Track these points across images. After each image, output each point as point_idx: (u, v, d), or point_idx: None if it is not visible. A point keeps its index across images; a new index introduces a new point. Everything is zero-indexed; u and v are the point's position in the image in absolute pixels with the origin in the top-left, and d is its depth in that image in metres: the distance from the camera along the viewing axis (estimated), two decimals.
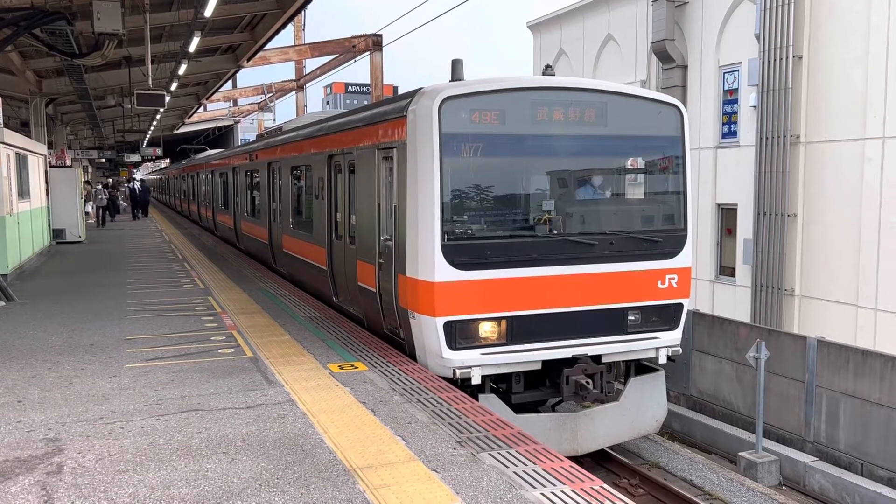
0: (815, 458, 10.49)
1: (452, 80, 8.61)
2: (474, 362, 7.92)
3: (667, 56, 20.40)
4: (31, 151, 18.25)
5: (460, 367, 7.87)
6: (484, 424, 6.18)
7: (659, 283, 8.77)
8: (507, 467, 5.27)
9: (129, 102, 22.86)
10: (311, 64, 36.61)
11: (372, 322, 9.78)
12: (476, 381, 7.92)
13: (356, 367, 7.96)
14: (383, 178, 8.89)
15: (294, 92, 39.63)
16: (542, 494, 4.83)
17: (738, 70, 18.92)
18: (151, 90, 18.28)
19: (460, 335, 7.92)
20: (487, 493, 4.83)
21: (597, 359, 8.60)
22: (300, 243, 13.37)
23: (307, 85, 38.51)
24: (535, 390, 8.69)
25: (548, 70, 9.29)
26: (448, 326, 7.85)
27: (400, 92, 12.08)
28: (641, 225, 8.98)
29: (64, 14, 12.68)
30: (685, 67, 20.47)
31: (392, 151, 8.55)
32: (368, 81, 28.10)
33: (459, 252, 7.82)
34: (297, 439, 5.83)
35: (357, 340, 9.27)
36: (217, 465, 5.31)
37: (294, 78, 39.20)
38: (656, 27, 20.59)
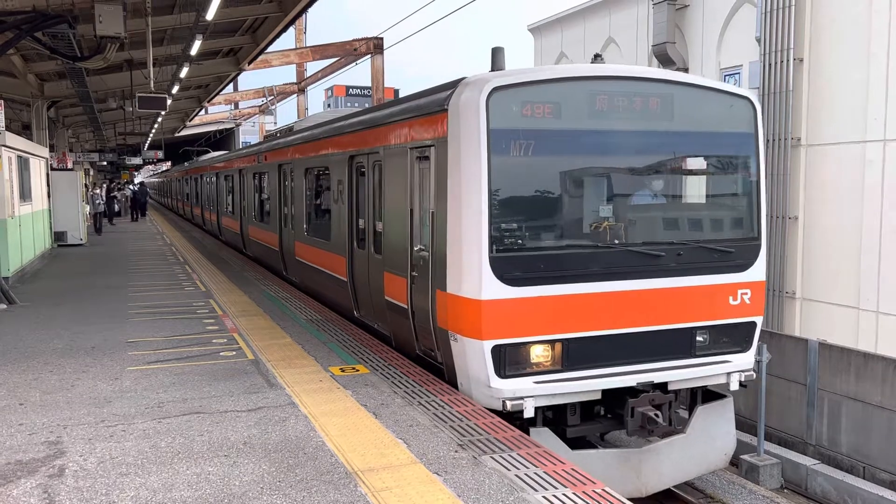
0: (817, 461, 10.48)
1: (493, 70, 7.71)
2: (527, 392, 6.92)
3: (667, 59, 20.42)
4: (32, 154, 18.28)
5: (511, 399, 6.86)
6: (485, 427, 6.18)
7: (730, 298, 7.81)
8: (509, 470, 5.27)
9: (130, 105, 22.87)
10: (312, 67, 36.68)
11: (402, 342, 8.83)
12: (529, 413, 6.92)
13: (357, 370, 7.96)
14: (417, 180, 8.04)
15: (295, 95, 39.68)
16: (545, 497, 4.82)
17: (738, 73, 18.93)
18: (153, 93, 18.32)
19: (510, 361, 6.96)
20: (489, 496, 4.83)
21: (662, 386, 7.57)
22: (315, 251, 12.40)
23: (308, 88, 38.55)
24: (591, 422, 7.66)
25: (597, 59, 8.28)
26: (497, 351, 6.88)
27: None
28: (711, 233, 8.04)
29: (66, 17, 12.70)
30: (686, 70, 20.49)
31: (428, 150, 7.68)
32: (369, 84, 28.12)
33: (509, 265, 6.89)
34: (298, 442, 5.83)
35: (358, 343, 9.27)
36: (219, 468, 5.32)
37: (295, 81, 39.25)
38: (657, 30, 20.61)
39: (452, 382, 7.45)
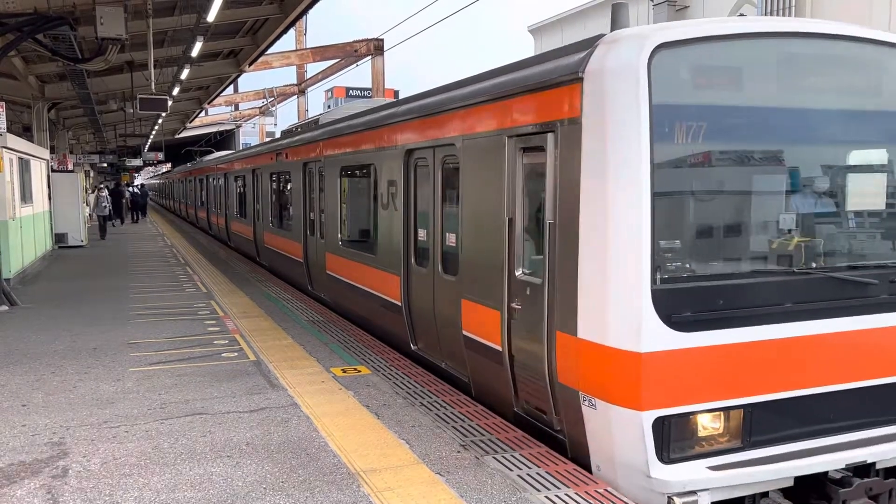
0: None
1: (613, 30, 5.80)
2: (701, 483, 4.94)
3: None
4: (33, 156, 18.30)
5: (680, 494, 4.92)
6: (488, 427, 6.18)
7: None
8: (512, 470, 5.27)
9: (131, 107, 22.89)
10: (313, 69, 36.73)
11: (488, 392, 6.86)
12: None
13: (359, 371, 7.97)
14: (520, 180, 6.14)
15: (295, 96, 39.73)
16: (547, 497, 4.83)
17: None
18: (154, 95, 18.37)
19: (676, 438, 5.00)
20: (492, 497, 4.84)
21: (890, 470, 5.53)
22: (354, 267, 10.44)
23: (308, 89, 38.60)
24: None
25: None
26: (660, 425, 4.92)
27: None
28: None
29: (67, 19, 12.73)
30: None
31: (542, 139, 5.70)
32: (370, 86, 28.16)
33: (680, 301, 4.96)
34: (300, 443, 5.84)
35: (360, 344, 9.27)
36: (222, 469, 5.33)
37: (295, 82, 39.30)
38: None
39: (581, 461, 5.51)
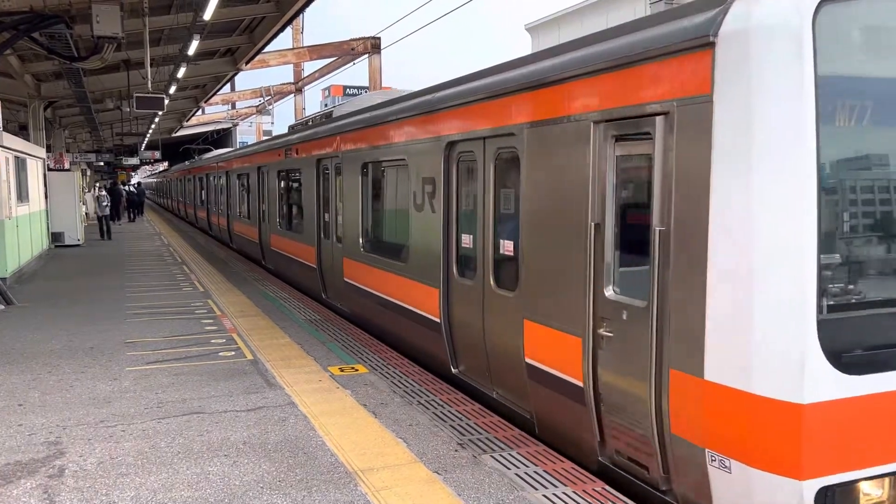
0: None
1: None
2: None
3: None
4: (29, 155, 18.26)
5: None
6: (485, 426, 6.18)
7: None
8: (509, 469, 5.27)
9: (127, 106, 22.90)
10: (310, 67, 36.69)
11: (560, 434, 5.80)
12: None
13: (357, 370, 7.96)
14: (611, 176, 5.01)
15: (292, 95, 39.68)
16: (545, 496, 4.83)
17: None
18: (150, 93, 18.33)
19: None
20: (489, 495, 4.83)
21: None
22: (379, 275, 9.34)
23: (305, 88, 38.54)
24: None
25: None
26: (823, 498, 3.90)
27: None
28: None
29: (63, 18, 12.70)
30: None
31: (647, 124, 4.59)
32: (367, 84, 28.12)
33: (853, 336, 3.99)
34: (298, 442, 5.83)
35: (357, 343, 9.26)
36: (219, 468, 5.31)
37: (292, 81, 39.25)
38: None
39: None
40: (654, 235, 4.45)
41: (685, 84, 4.27)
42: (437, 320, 7.56)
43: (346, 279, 10.74)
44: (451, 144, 7.32)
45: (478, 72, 7.27)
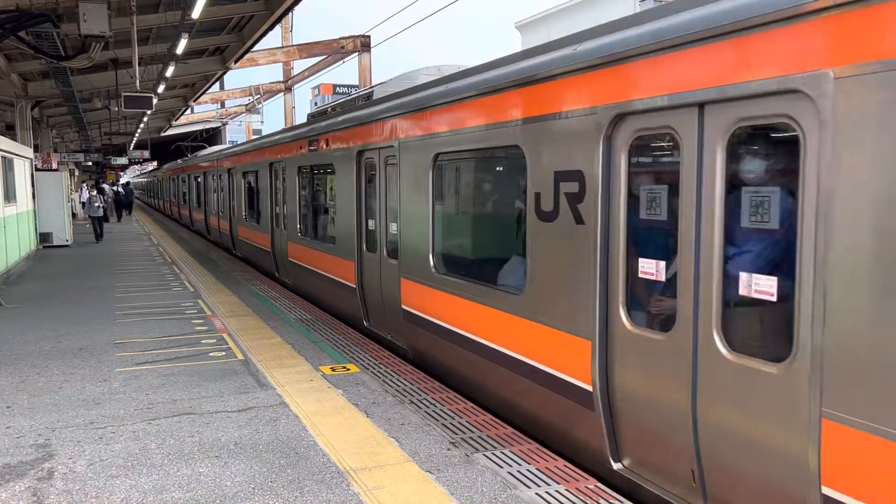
0: None
1: None
2: None
3: None
4: (17, 155, 18.12)
5: None
6: (478, 425, 6.17)
7: None
8: (502, 467, 5.26)
9: (116, 105, 22.76)
10: (299, 65, 36.60)
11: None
12: None
13: (348, 369, 7.94)
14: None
15: (282, 93, 39.56)
16: (538, 494, 4.82)
17: None
18: (139, 92, 18.24)
19: None
20: (482, 494, 4.82)
21: None
22: (472, 309, 6.79)
23: (295, 86, 38.44)
24: None
25: None
26: None
27: None
28: None
29: (50, 16, 12.62)
30: None
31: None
32: (357, 83, 28.07)
33: None
34: (290, 442, 5.80)
35: (349, 342, 9.24)
36: (210, 469, 5.28)
37: (282, 79, 39.14)
38: None
39: None
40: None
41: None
42: (590, 389, 5.17)
43: (406, 307, 8.27)
44: (620, 118, 4.78)
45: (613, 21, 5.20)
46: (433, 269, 7.59)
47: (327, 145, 11.10)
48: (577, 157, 5.20)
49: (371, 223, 9.44)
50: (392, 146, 8.54)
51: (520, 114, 5.92)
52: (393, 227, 8.70)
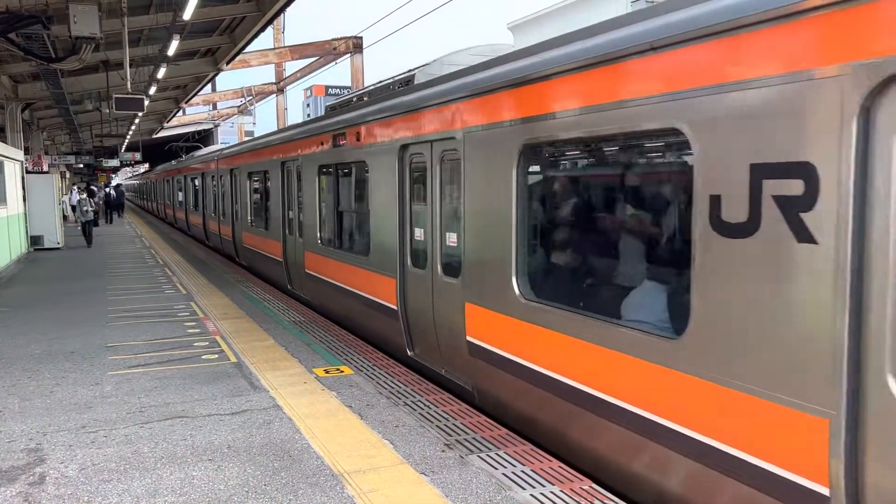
0: None
1: None
2: None
3: None
4: (7, 157, 18.01)
5: None
6: (472, 426, 6.16)
7: None
8: (497, 469, 5.25)
9: (107, 107, 22.63)
10: (291, 67, 36.53)
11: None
12: None
13: (342, 371, 7.91)
14: None
15: (274, 95, 39.48)
16: (532, 496, 4.81)
17: None
18: (130, 94, 18.17)
19: None
20: (477, 496, 4.81)
21: None
22: (561, 342, 5.39)
23: (287, 88, 38.38)
24: None
25: None
26: None
27: None
28: None
29: (40, 18, 12.54)
30: None
31: None
32: (349, 84, 28.04)
33: None
34: (283, 445, 5.77)
35: (342, 344, 9.21)
36: (203, 473, 5.25)
37: (274, 81, 39.06)
38: None
39: None
40: None
41: None
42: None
43: (472, 338, 6.71)
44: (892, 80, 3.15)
45: None
46: (518, 295, 5.94)
47: (358, 140, 9.41)
48: (800, 142, 3.52)
49: (419, 232, 7.90)
50: (453, 137, 6.90)
51: (687, 83, 4.14)
52: (452, 238, 7.12)
